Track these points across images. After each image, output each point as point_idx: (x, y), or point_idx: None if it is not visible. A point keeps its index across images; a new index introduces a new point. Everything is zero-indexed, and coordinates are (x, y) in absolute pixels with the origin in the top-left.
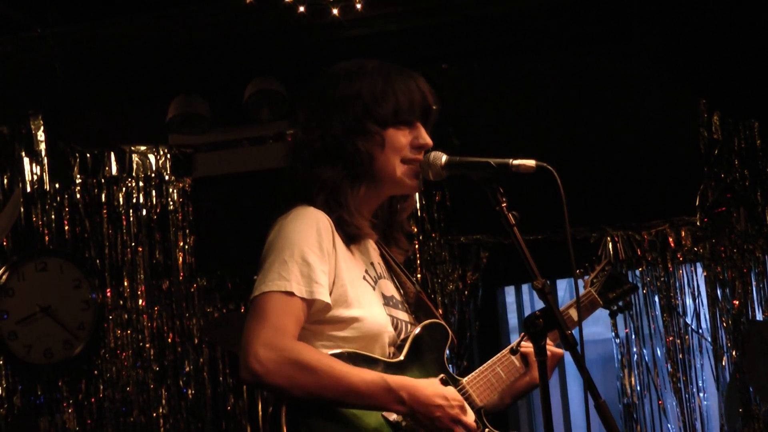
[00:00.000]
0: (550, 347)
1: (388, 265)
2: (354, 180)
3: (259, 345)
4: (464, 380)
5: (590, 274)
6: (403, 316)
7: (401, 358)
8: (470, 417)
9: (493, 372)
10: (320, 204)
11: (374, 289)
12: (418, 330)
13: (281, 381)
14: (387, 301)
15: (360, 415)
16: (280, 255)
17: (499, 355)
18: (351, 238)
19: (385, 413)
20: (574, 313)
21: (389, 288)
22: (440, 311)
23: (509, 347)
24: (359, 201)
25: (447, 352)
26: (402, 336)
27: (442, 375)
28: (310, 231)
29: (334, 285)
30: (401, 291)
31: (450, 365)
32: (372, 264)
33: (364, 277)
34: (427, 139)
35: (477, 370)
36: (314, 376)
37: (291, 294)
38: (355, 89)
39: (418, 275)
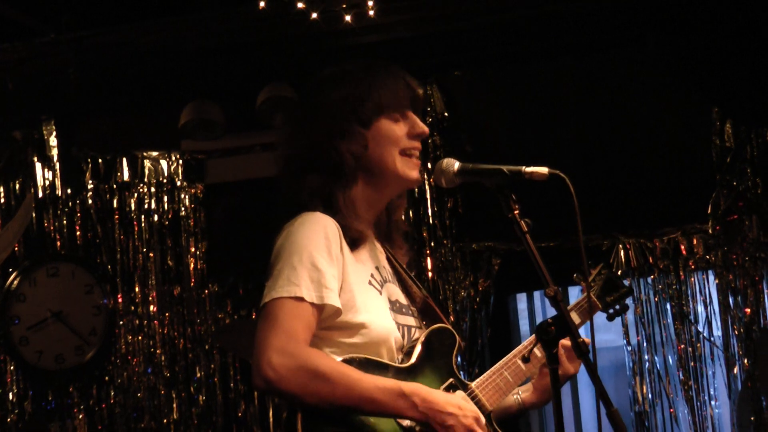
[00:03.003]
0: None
1: (394, 268)
2: (345, 183)
3: (272, 351)
4: (473, 384)
5: (587, 278)
6: (409, 321)
7: (411, 362)
8: (483, 428)
9: (501, 376)
10: (321, 211)
11: (381, 293)
12: (425, 335)
13: (294, 388)
14: (392, 305)
15: (374, 421)
16: (289, 260)
17: (505, 359)
18: (354, 241)
19: (399, 419)
20: (575, 317)
21: (395, 292)
22: (452, 318)
23: (517, 353)
24: (355, 203)
25: (458, 358)
26: (407, 341)
27: (451, 379)
28: (318, 236)
29: (342, 290)
30: (407, 295)
31: (461, 372)
32: (377, 268)
33: (370, 282)
34: (423, 127)
35: (485, 375)
36: (328, 384)
37: (301, 299)
38: (335, 95)
39: (430, 282)
